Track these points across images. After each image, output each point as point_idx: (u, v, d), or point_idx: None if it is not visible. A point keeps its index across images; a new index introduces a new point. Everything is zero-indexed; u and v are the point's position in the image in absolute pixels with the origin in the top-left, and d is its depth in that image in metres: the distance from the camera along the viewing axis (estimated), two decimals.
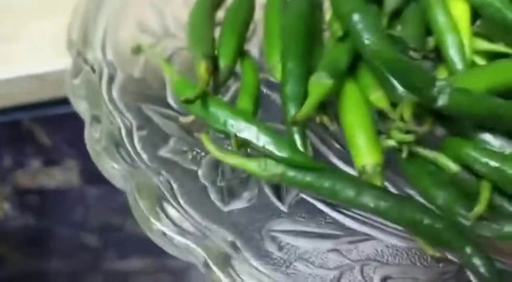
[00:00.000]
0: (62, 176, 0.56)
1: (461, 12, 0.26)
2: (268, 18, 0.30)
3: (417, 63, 0.24)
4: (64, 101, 0.46)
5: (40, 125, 0.51)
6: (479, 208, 0.19)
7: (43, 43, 0.45)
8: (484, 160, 0.20)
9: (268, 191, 0.22)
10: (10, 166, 0.54)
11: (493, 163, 0.20)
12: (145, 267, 0.76)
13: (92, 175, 0.57)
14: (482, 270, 0.18)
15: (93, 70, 0.24)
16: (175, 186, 0.20)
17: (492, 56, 0.26)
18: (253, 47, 0.30)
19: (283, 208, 0.22)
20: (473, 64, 0.26)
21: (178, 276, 0.80)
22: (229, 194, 0.21)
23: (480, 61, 0.26)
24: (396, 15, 0.28)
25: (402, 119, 0.22)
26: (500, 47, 0.26)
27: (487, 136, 0.22)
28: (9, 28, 0.46)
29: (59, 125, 0.51)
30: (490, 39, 0.27)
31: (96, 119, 0.22)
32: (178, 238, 0.18)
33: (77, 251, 0.67)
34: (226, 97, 0.27)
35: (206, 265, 0.17)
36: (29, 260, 0.66)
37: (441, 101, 0.20)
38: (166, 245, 0.19)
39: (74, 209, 0.60)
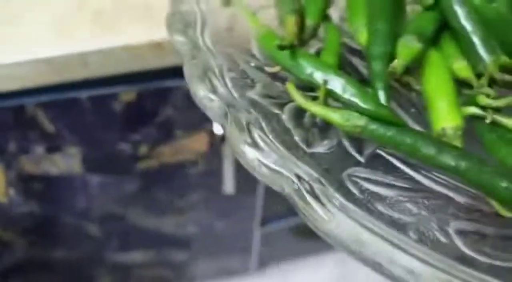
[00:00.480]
0: (65, 163, 0.55)
1: None
2: None
3: None
4: (68, 87, 0.45)
5: (43, 111, 0.49)
6: None
7: (48, 27, 0.44)
8: None
9: (346, 143, 0.23)
10: (14, 152, 0.52)
11: None
12: (147, 259, 0.76)
13: (94, 163, 0.55)
14: None
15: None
16: (263, 123, 0.21)
17: None
18: (333, 13, 0.31)
19: (361, 159, 0.22)
20: None
21: (179, 269, 0.79)
22: (311, 139, 0.22)
23: None
24: None
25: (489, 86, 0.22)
26: None
27: None
28: (14, 11, 0.45)
29: (63, 111, 0.50)
30: None
31: (193, 56, 0.23)
32: (272, 165, 0.19)
33: (80, 241, 0.68)
34: None
35: (296, 193, 0.18)
36: (33, 247, 0.66)
37: None
38: (259, 173, 0.20)
39: (76, 197, 0.59)
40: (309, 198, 0.18)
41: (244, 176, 0.47)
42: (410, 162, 0.23)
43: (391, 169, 0.23)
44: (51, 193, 0.59)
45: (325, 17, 0.29)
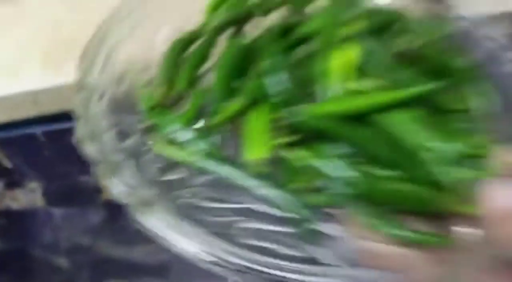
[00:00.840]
0: (26, 198, 0.57)
1: (344, 57, 0.38)
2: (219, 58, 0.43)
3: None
4: (23, 123, 0.49)
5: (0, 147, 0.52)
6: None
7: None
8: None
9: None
10: None
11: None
12: None
13: (57, 196, 0.58)
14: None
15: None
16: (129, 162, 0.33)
17: None
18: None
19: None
20: None
21: None
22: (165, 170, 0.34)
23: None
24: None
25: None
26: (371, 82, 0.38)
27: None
28: None
29: (19, 147, 0.53)
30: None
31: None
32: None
33: (49, 274, 0.67)
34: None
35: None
36: None
37: (297, 119, 0.32)
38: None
39: (42, 230, 0.60)
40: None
41: None
42: None
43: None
44: (15, 228, 0.61)
45: (194, 82, 0.41)
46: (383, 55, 0.38)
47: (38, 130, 0.55)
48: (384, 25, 0.42)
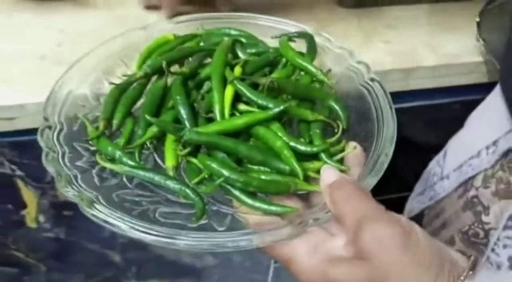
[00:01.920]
0: None
1: (228, 93, 0.55)
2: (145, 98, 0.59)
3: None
4: None
5: None
6: (196, 180, 0.47)
7: None
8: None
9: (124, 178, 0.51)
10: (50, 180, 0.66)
11: (208, 162, 0.48)
12: None
13: None
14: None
15: (49, 127, 0.53)
16: (79, 176, 0.49)
17: None
18: None
19: (130, 186, 0.50)
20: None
21: None
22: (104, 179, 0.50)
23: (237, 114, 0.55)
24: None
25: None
26: (250, 108, 0.55)
27: (218, 153, 0.50)
28: None
29: None
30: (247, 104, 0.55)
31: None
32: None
33: (101, 267, 0.72)
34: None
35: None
36: (54, 272, 0.72)
37: (184, 138, 0.48)
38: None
39: (101, 225, 0.67)
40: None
41: None
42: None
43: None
44: (78, 221, 0.68)
45: (128, 117, 0.57)
46: (252, 89, 0.55)
47: None
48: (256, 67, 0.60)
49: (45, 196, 0.69)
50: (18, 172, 0.72)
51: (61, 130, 0.54)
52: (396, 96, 0.67)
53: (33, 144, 0.52)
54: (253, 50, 0.66)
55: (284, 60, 0.63)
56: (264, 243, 0.44)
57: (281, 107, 0.51)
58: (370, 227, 0.41)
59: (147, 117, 0.52)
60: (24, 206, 0.72)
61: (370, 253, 0.40)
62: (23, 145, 0.71)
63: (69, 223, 0.71)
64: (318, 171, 0.50)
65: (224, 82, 0.56)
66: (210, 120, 0.55)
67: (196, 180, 0.48)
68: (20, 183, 0.72)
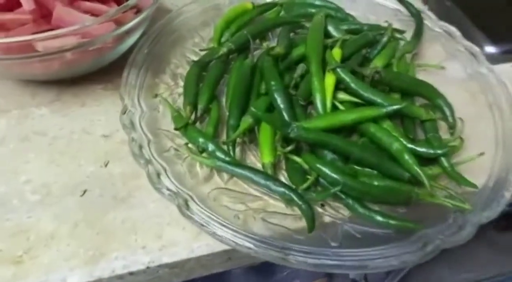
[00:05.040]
0: None
1: (330, 81, 0.48)
2: (229, 80, 0.53)
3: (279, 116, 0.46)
4: None
5: None
6: (305, 185, 0.41)
7: None
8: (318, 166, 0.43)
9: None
10: None
11: (317, 165, 0.42)
12: None
13: None
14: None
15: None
16: (168, 169, 0.43)
17: (354, 104, 0.49)
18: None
19: (222, 184, 0.44)
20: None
21: None
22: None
23: (340, 105, 0.48)
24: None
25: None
26: (352, 98, 0.48)
27: (325, 152, 0.44)
28: None
29: None
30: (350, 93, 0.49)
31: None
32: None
33: None
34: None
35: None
36: None
37: (291, 134, 0.42)
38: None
39: None
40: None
41: None
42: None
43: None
44: None
45: (214, 98, 0.51)
46: (357, 80, 0.48)
47: None
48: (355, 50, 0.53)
49: None
50: None
51: (142, 113, 0.49)
52: None
53: None
54: (346, 27, 0.59)
55: (384, 39, 0.56)
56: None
57: (398, 105, 0.45)
58: None
59: (254, 110, 0.45)
60: None
61: None
62: None
63: None
64: (436, 177, 0.44)
65: (323, 66, 0.50)
66: (305, 108, 0.49)
67: (306, 185, 0.42)
68: None
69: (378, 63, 0.53)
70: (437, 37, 0.60)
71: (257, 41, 0.60)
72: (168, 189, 0.42)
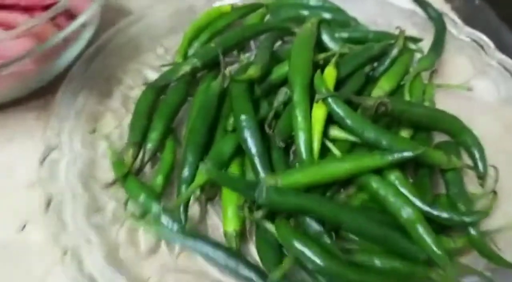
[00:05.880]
0: None
1: (319, 114, 0.36)
2: (191, 107, 0.41)
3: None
4: None
5: None
6: (277, 273, 0.29)
7: None
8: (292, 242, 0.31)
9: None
10: None
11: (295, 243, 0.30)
12: None
13: None
14: None
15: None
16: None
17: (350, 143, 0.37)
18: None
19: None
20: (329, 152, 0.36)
21: None
22: None
23: (333, 148, 0.36)
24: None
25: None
26: (347, 136, 0.36)
27: (306, 219, 0.32)
28: None
29: None
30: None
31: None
32: None
33: None
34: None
35: None
36: None
37: (260, 200, 0.30)
38: None
39: None
40: None
41: None
42: None
43: None
44: None
45: (168, 134, 0.39)
46: (355, 115, 0.36)
47: None
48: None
49: None
50: None
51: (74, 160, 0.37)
52: None
53: None
54: (346, 34, 0.46)
55: (394, 51, 0.43)
56: None
57: (410, 152, 0.32)
58: None
59: (205, 166, 0.33)
60: None
61: None
62: None
63: None
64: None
65: (310, 92, 0.37)
66: (286, 149, 0.37)
67: (279, 272, 0.30)
68: None
69: (385, 85, 0.40)
70: (463, 48, 0.47)
71: (235, 52, 0.48)
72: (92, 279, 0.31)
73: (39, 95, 0.44)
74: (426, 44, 0.46)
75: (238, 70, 0.43)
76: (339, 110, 0.35)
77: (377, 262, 0.31)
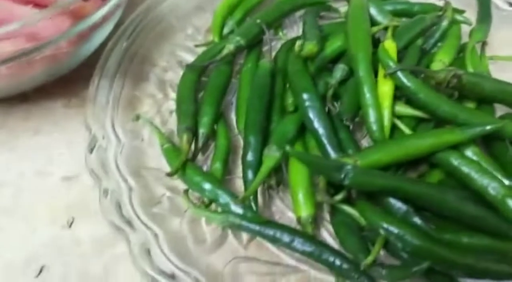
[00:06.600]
0: None
1: (386, 89, 0.34)
2: (239, 89, 0.38)
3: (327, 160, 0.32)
4: None
5: None
6: (370, 258, 0.27)
7: None
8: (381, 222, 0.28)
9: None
10: None
11: (385, 225, 0.28)
12: None
13: None
14: None
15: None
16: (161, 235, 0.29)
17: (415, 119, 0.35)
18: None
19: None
20: (395, 129, 0.34)
21: None
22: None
23: (402, 126, 0.34)
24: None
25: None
26: (415, 112, 0.34)
27: (390, 200, 0.30)
28: None
29: None
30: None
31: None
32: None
33: None
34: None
35: None
36: None
37: (346, 181, 0.28)
38: None
39: None
40: None
41: None
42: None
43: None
44: None
45: (219, 118, 0.36)
46: (429, 89, 0.34)
47: None
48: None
49: None
50: None
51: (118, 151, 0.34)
52: None
53: None
54: (390, 7, 0.44)
55: (444, 24, 0.41)
56: None
57: (492, 125, 0.31)
58: None
59: (291, 150, 0.31)
60: None
61: None
62: None
63: None
64: None
65: (372, 66, 0.35)
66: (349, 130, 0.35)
67: (370, 257, 0.28)
68: None
69: (444, 58, 0.38)
70: (508, 18, 0.45)
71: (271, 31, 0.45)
72: (162, 272, 0.28)
73: (62, 82, 0.40)
74: (468, 16, 0.45)
75: (281, 49, 0.41)
76: (411, 84, 0.33)
77: (465, 240, 0.29)
